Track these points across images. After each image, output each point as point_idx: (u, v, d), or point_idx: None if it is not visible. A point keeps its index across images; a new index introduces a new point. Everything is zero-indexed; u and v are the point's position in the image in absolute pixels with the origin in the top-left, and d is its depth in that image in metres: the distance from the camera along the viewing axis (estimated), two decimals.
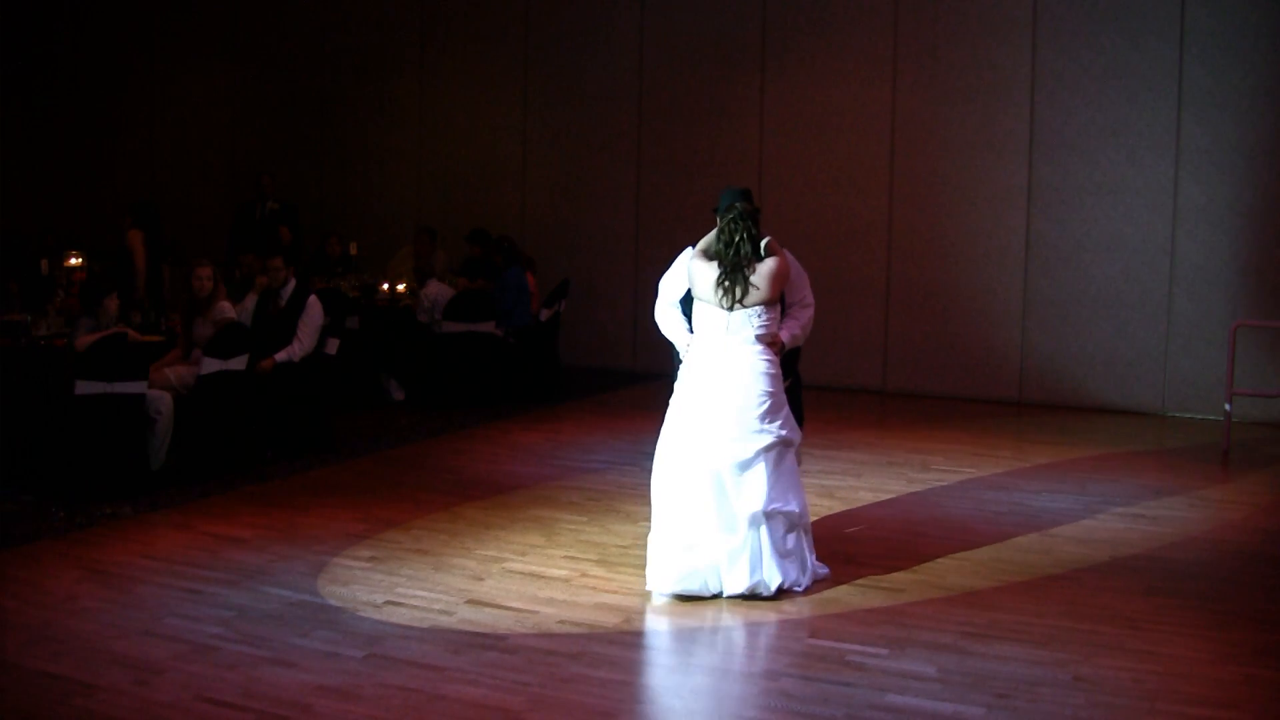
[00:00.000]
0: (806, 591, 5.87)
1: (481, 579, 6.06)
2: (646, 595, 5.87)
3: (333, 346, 8.99)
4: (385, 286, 11.16)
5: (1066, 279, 10.94)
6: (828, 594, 5.88)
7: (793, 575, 5.86)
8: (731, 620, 5.58)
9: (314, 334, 8.73)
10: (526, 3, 13.10)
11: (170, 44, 15.20)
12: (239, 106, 14.87)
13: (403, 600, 5.73)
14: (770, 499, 5.76)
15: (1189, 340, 10.57)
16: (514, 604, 5.71)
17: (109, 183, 15.23)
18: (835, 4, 11.68)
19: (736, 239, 5.87)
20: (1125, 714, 4.63)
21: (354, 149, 14.12)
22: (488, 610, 5.62)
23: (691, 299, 6.06)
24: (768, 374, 5.87)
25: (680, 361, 6.15)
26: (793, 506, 5.84)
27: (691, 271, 5.99)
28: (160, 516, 7.05)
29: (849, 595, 5.88)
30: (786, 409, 5.95)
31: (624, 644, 5.28)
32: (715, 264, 5.90)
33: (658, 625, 5.59)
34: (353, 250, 12.13)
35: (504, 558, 6.40)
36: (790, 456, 5.91)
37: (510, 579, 6.07)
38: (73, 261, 10.66)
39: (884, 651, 5.18)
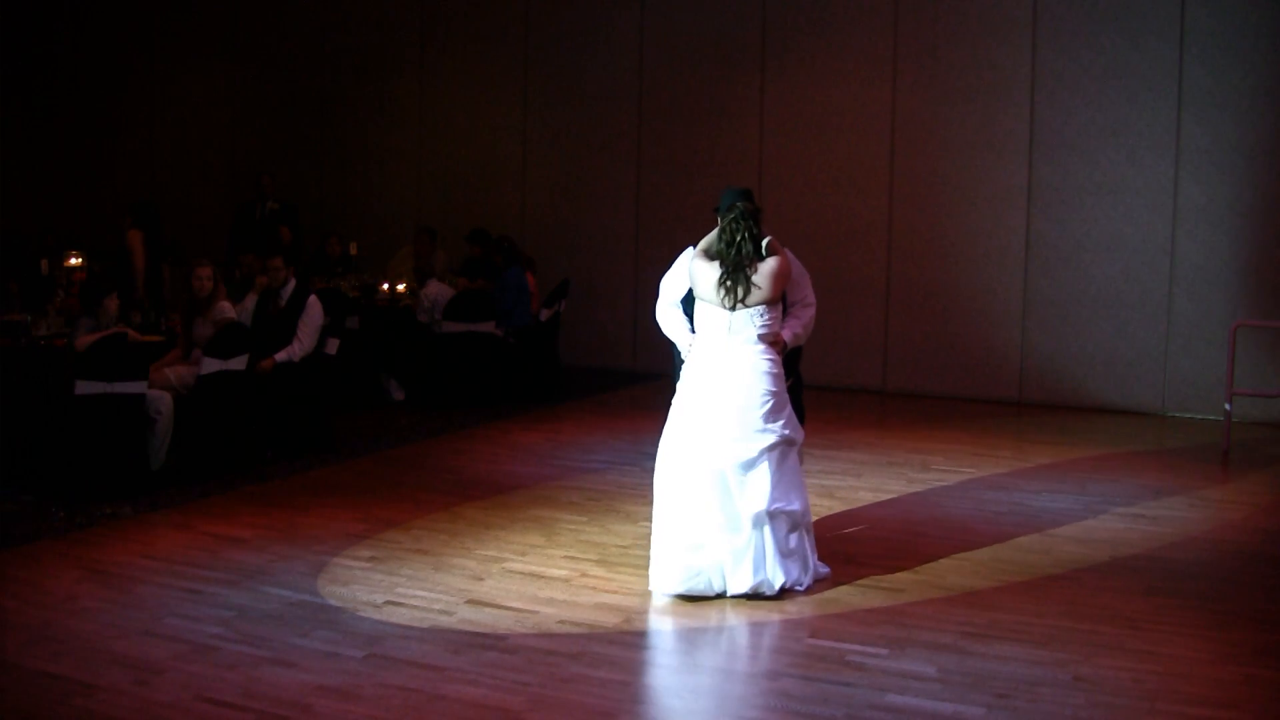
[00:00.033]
0: (807, 591, 5.87)
1: (481, 579, 6.06)
2: (646, 595, 5.87)
3: (333, 346, 8.99)
4: (385, 286, 11.16)
5: (1066, 279, 10.94)
6: (828, 594, 5.89)
7: (795, 574, 5.86)
8: (732, 620, 5.58)
9: (314, 334, 8.73)
10: (526, 3, 13.10)
11: (170, 44, 15.20)
12: (239, 106, 14.87)
13: (403, 600, 5.73)
14: (773, 498, 5.76)
15: (1189, 340, 10.57)
16: (514, 604, 5.71)
17: (109, 183, 15.23)
18: (835, 4, 11.68)
19: (738, 238, 5.87)
20: (1125, 714, 4.63)
21: (354, 149, 14.12)
22: (488, 610, 5.62)
23: (693, 299, 6.06)
24: (770, 373, 5.87)
25: (682, 361, 6.15)
26: (795, 506, 5.84)
27: (693, 271, 5.99)
28: (160, 516, 7.05)
29: (849, 595, 5.88)
30: (789, 408, 5.95)
31: (624, 644, 5.28)
32: (717, 264, 5.90)
33: (658, 625, 5.59)
34: (353, 250, 12.13)
35: (504, 558, 6.40)
36: (793, 456, 5.92)
37: (510, 579, 6.07)
38: (73, 261, 10.67)
39: (884, 651, 5.18)
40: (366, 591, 5.84)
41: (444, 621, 5.48)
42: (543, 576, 6.11)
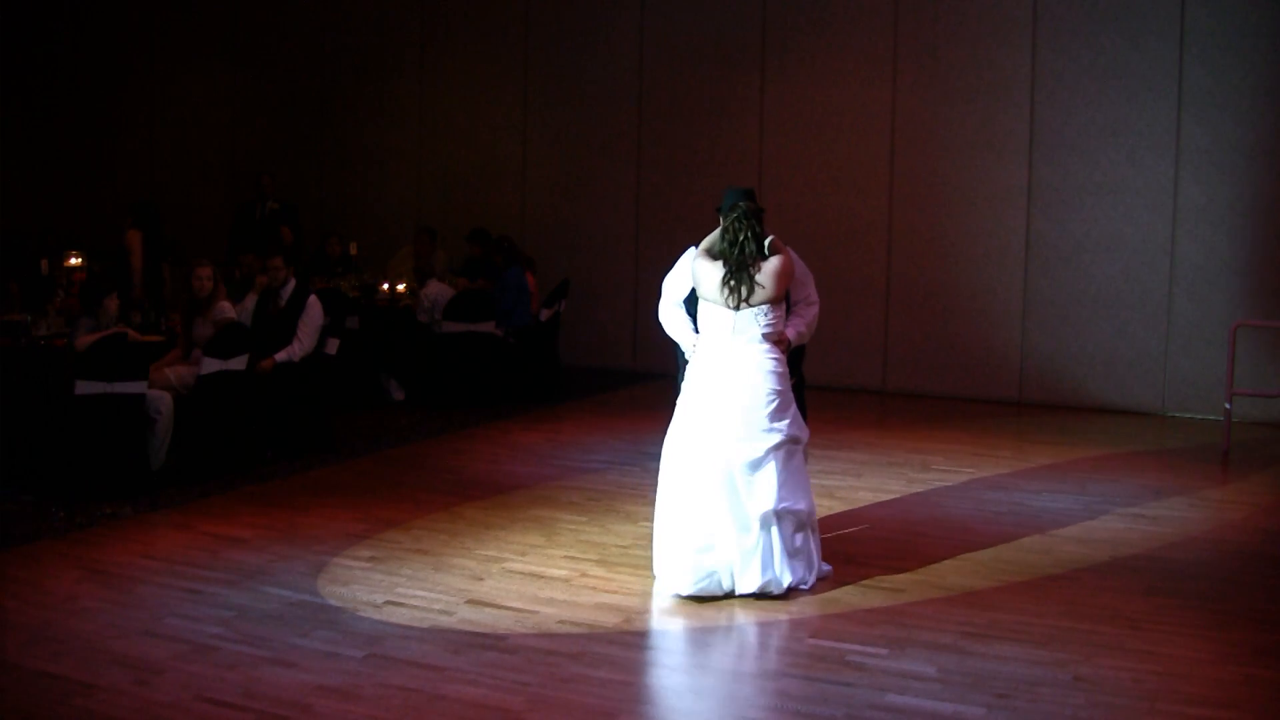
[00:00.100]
0: (809, 591, 5.88)
1: (481, 579, 6.06)
2: (646, 595, 5.87)
3: (333, 346, 8.99)
4: (385, 286, 11.15)
5: (1066, 279, 10.94)
6: (828, 594, 5.89)
7: (800, 574, 5.87)
8: (732, 620, 5.58)
9: (314, 334, 8.73)
10: (526, 3, 13.10)
11: (170, 44, 15.20)
12: (239, 106, 14.87)
13: (403, 600, 5.73)
14: (781, 498, 5.76)
15: (1189, 340, 10.57)
16: (514, 604, 5.71)
17: (109, 183, 15.23)
18: (835, 4, 11.68)
19: (741, 238, 5.87)
20: (1125, 714, 4.63)
21: (354, 149, 14.12)
22: (488, 610, 5.62)
23: (696, 299, 6.06)
24: (775, 372, 5.88)
25: (686, 362, 6.16)
26: (802, 506, 5.86)
27: (696, 271, 5.99)
28: (160, 516, 7.05)
29: (849, 595, 5.88)
30: (794, 407, 5.96)
31: (624, 644, 5.28)
32: (720, 263, 5.90)
33: (658, 625, 5.59)
34: (353, 250, 12.13)
35: (504, 558, 6.40)
36: (799, 455, 5.93)
37: (510, 579, 6.07)
38: (73, 261, 10.67)
39: (884, 651, 5.18)
40: (366, 591, 5.84)
41: (444, 621, 5.48)
42: (543, 576, 6.11)
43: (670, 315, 6.26)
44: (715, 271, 5.90)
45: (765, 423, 5.81)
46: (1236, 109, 10.32)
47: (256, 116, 14.75)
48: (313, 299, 8.74)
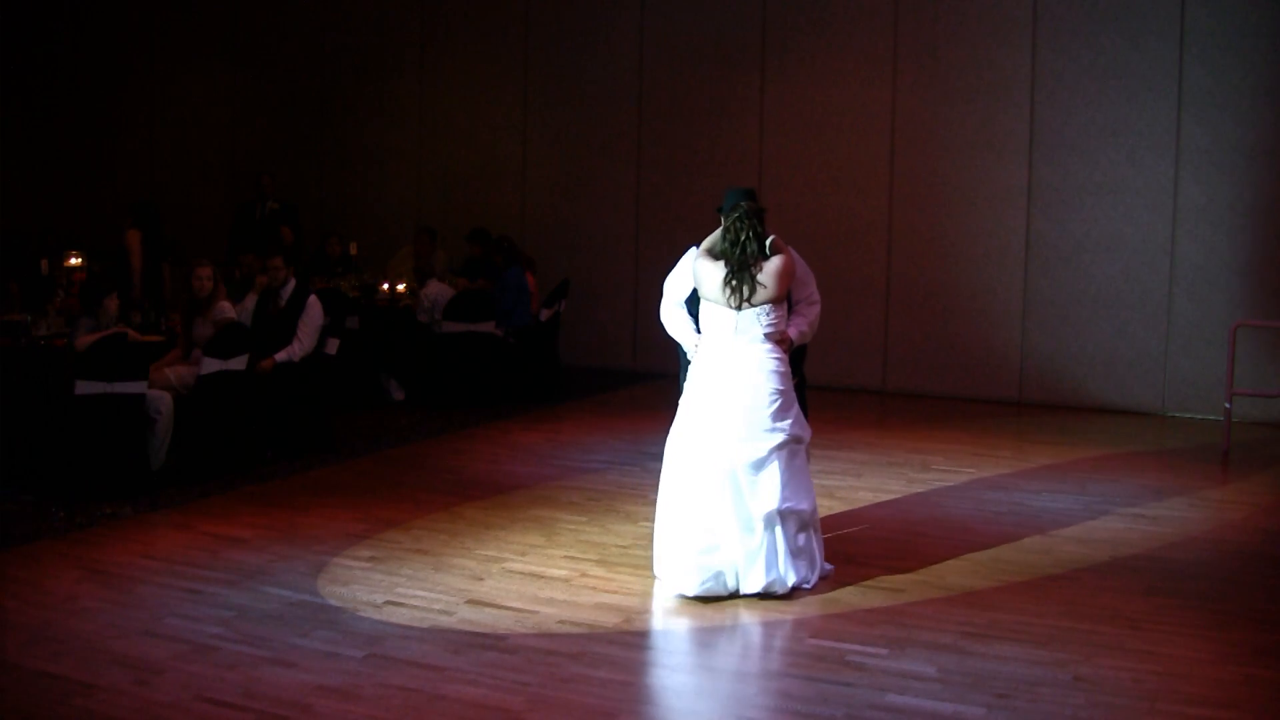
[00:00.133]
0: (809, 591, 5.87)
1: (481, 579, 6.06)
2: (647, 595, 5.87)
3: (333, 346, 8.99)
4: (385, 286, 11.15)
5: (1066, 279, 10.94)
6: (828, 594, 5.89)
7: (803, 573, 5.88)
8: (732, 620, 5.58)
9: (314, 334, 8.73)
10: (526, 3, 13.10)
11: (170, 44, 15.20)
12: (239, 106, 14.87)
13: (403, 600, 5.73)
14: (784, 497, 5.77)
15: (1189, 340, 10.57)
16: (514, 604, 5.71)
17: (109, 183, 15.23)
18: (835, 4, 11.68)
19: (743, 238, 5.87)
20: (1125, 714, 4.63)
21: (354, 149, 14.12)
22: (488, 610, 5.62)
23: (697, 299, 6.06)
24: (777, 372, 5.88)
25: (688, 362, 6.16)
26: (804, 505, 5.86)
27: (697, 271, 5.99)
28: (160, 516, 7.05)
29: (849, 595, 5.88)
30: (797, 406, 5.96)
31: (624, 644, 5.28)
32: (722, 263, 5.90)
33: (658, 625, 5.60)
34: (353, 250, 12.13)
35: (504, 558, 6.40)
36: (802, 454, 5.93)
37: (510, 579, 6.07)
38: (73, 261, 10.67)
39: (884, 651, 5.19)
40: (366, 591, 5.84)
41: (444, 621, 5.48)
42: (543, 576, 6.11)
43: (672, 315, 6.27)
44: (717, 272, 5.90)
45: (768, 422, 5.81)
46: (1236, 109, 10.32)
47: (256, 116, 14.75)
48: (313, 299, 8.74)
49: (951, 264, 11.35)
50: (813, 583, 5.92)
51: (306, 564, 6.22)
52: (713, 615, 5.63)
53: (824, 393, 11.03)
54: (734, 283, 5.86)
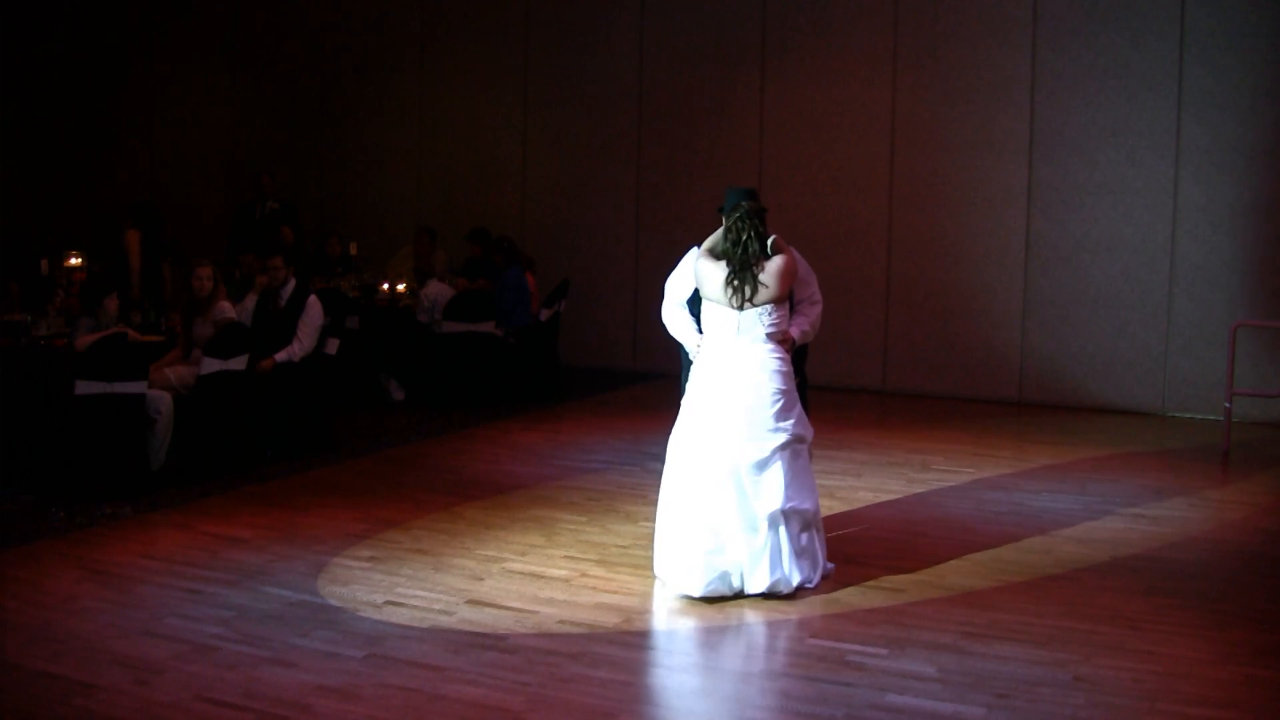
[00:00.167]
0: (811, 590, 5.88)
1: (481, 579, 6.06)
2: (647, 595, 5.87)
3: (333, 346, 8.98)
4: (385, 286, 11.16)
5: (1066, 279, 10.94)
6: (828, 594, 5.89)
7: (806, 572, 5.88)
8: (732, 620, 5.58)
9: (314, 334, 8.73)
10: (526, 3, 13.10)
11: (170, 44, 15.20)
12: (239, 106, 14.87)
13: (403, 600, 5.73)
14: (788, 497, 5.77)
15: (1189, 340, 10.57)
16: (514, 604, 5.71)
17: (109, 183, 15.23)
18: (835, 4, 11.68)
19: (744, 238, 5.87)
20: (1125, 714, 4.63)
21: (354, 149, 14.12)
22: (488, 610, 5.62)
23: (699, 299, 6.06)
24: (780, 372, 5.88)
25: (690, 362, 6.15)
26: (808, 505, 5.87)
27: (699, 272, 5.98)
28: (160, 516, 7.05)
29: (849, 595, 5.88)
30: (799, 406, 5.96)
31: (624, 644, 5.28)
32: (723, 263, 5.90)
33: (657, 625, 5.60)
34: (353, 250, 12.13)
35: (504, 558, 6.40)
36: (804, 454, 5.94)
37: (510, 579, 6.07)
38: (73, 261, 10.67)
39: (884, 651, 5.18)
40: (366, 591, 5.84)
41: (444, 621, 5.48)
42: (543, 576, 6.11)
43: (674, 316, 6.27)
44: (719, 272, 5.90)
45: (771, 422, 5.81)
46: (1236, 109, 10.32)
47: (256, 116, 14.75)
48: (313, 299, 8.74)
49: (951, 264, 11.35)
50: (815, 582, 5.92)
51: (306, 564, 6.22)
52: (713, 615, 5.63)
53: (824, 393, 11.02)
54: (736, 283, 5.86)
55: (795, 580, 5.81)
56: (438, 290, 10.80)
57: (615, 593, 5.89)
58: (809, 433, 5.99)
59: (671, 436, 6.01)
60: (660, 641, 5.46)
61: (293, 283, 8.79)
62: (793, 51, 11.88)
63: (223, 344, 7.91)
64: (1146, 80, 10.56)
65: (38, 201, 14.85)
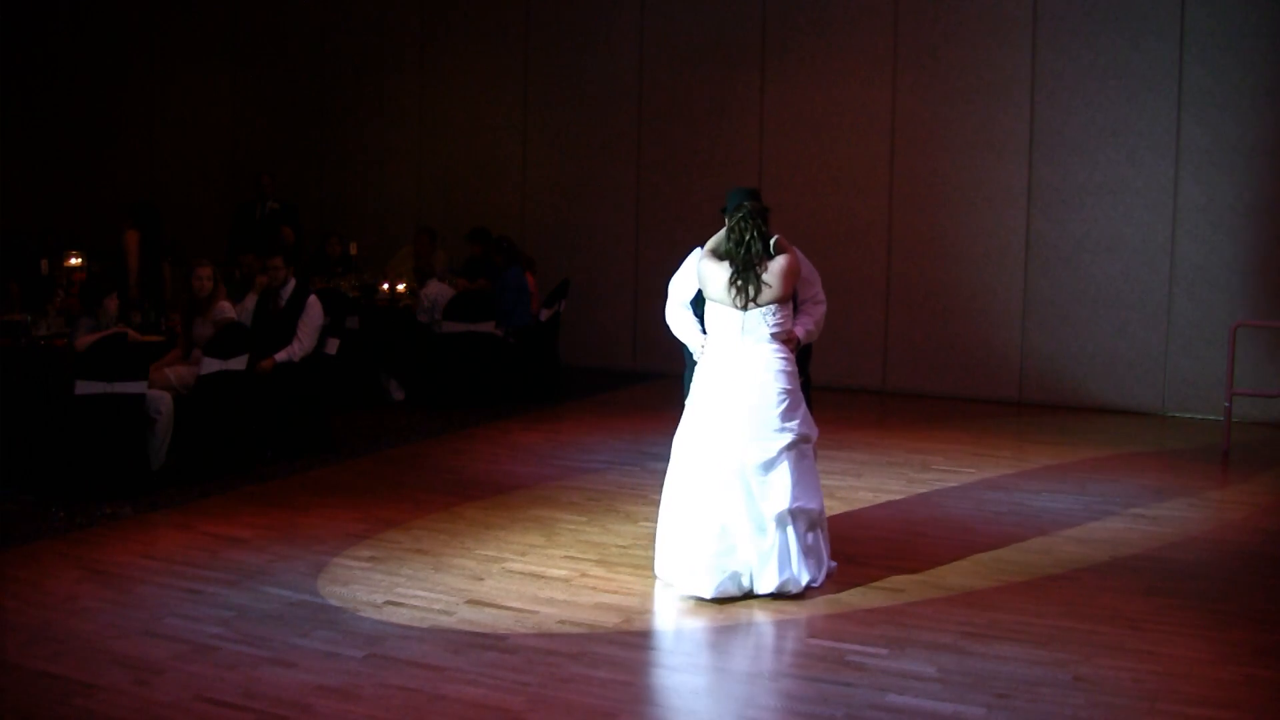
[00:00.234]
0: (813, 590, 5.88)
1: (481, 579, 6.06)
2: (647, 595, 5.87)
3: (333, 346, 8.98)
4: (385, 286, 11.16)
5: (1066, 279, 10.94)
6: (829, 594, 5.88)
7: (812, 572, 5.88)
8: (732, 620, 5.58)
9: (314, 334, 8.73)
10: (526, 3, 13.10)
11: (170, 44, 15.20)
12: (239, 106, 14.87)
13: (403, 600, 5.73)
14: (795, 497, 5.77)
15: (1189, 340, 10.57)
16: (514, 604, 5.71)
17: (109, 183, 15.23)
18: (835, 4, 11.68)
19: (747, 238, 5.87)
20: (1125, 714, 4.63)
21: (354, 149, 14.12)
22: (488, 610, 5.62)
23: (702, 300, 6.06)
24: (785, 371, 5.88)
25: (694, 363, 6.15)
26: (814, 505, 5.87)
27: (702, 272, 5.98)
28: (160, 516, 7.05)
29: (849, 595, 5.88)
30: (804, 406, 5.96)
31: (624, 644, 5.28)
32: (727, 264, 5.90)
33: (658, 625, 5.59)
34: (353, 250, 12.13)
35: (504, 558, 6.40)
36: (809, 453, 5.94)
37: (510, 579, 6.07)
38: (73, 261, 10.67)
39: (884, 651, 5.18)
40: (366, 591, 5.84)
41: (444, 621, 5.48)
42: (543, 576, 6.11)
43: (677, 317, 6.26)
44: (722, 272, 5.90)
45: (777, 422, 5.81)
46: (1236, 109, 10.32)
47: (256, 116, 14.75)
48: (313, 299, 8.74)
49: (951, 264, 11.35)
50: (820, 581, 5.93)
51: (306, 564, 6.22)
52: (713, 615, 5.62)
53: (824, 393, 11.01)
54: (739, 283, 5.86)
55: (804, 580, 5.82)
56: (438, 290, 10.80)
57: (615, 593, 5.89)
58: (814, 432, 5.99)
59: (676, 437, 6.01)
60: (660, 641, 5.46)
61: (293, 283, 8.79)
62: (793, 51, 11.88)
63: (223, 344, 7.91)
64: (1146, 80, 10.56)
65: (38, 201, 14.85)
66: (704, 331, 6.10)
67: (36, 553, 6.34)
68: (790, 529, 5.78)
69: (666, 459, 6.10)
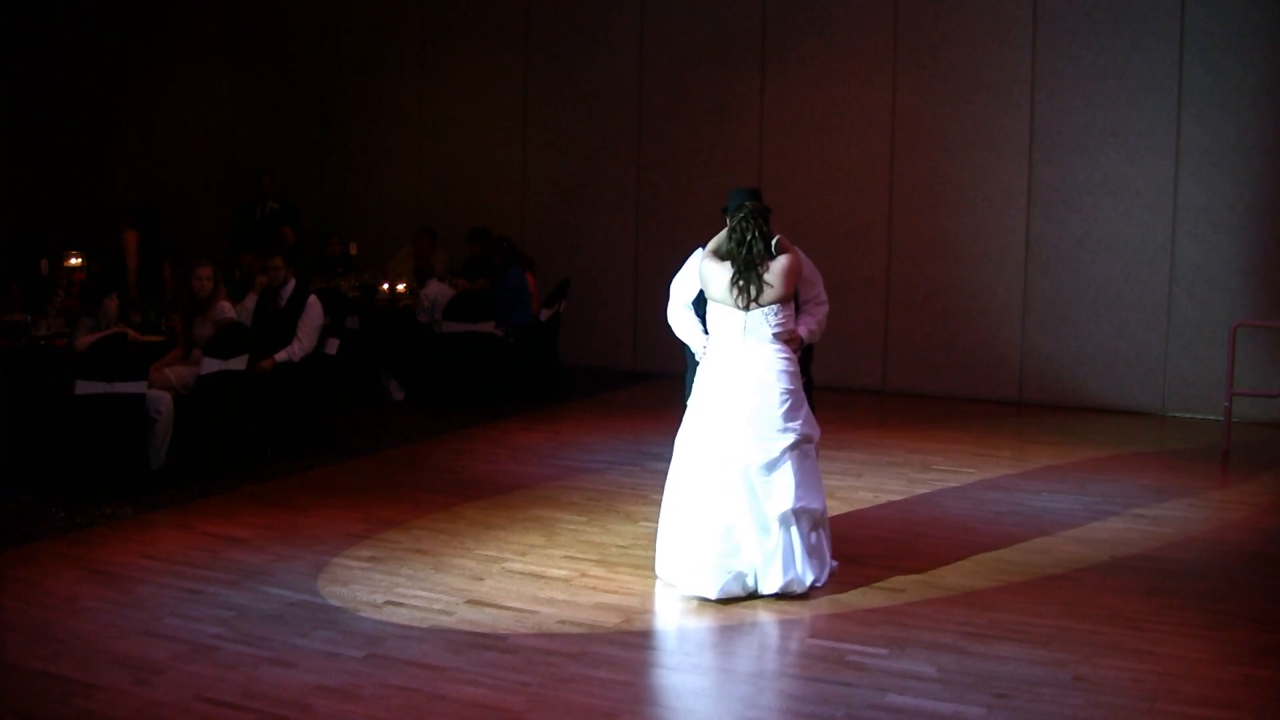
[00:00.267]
0: (816, 590, 5.88)
1: (481, 579, 6.06)
2: (647, 595, 5.87)
3: (333, 346, 8.99)
4: (385, 286, 11.16)
5: (1066, 279, 10.94)
6: (828, 594, 5.88)
7: (816, 571, 5.89)
8: (732, 620, 5.58)
9: (314, 334, 8.73)
10: (527, 3, 13.10)
11: (170, 44, 15.20)
12: (239, 106, 14.87)
13: (403, 600, 5.73)
14: (798, 497, 5.77)
15: (1189, 340, 10.57)
16: (514, 604, 5.71)
17: (109, 183, 15.22)
18: (835, 4, 11.68)
19: (749, 238, 5.86)
20: (1125, 714, 4.63)
21: (354, 149, 14.12)
22: (488, 610, 5.62)
23: (704, 301, 6.06)
24: (787, 372, 5.88)
25: (696, 364, 6.15)
26: (816, 504, 5.88)
27: (704, 272, 5.98)
28: (160, 516, 7.05)
29: (849, 595, 5.88)
30: (806, 405, 5.97)
31: (624, 644, 5.28)
32: (728, 264, 5.89)
33: (657, 625, 5.59)
34: (353, 250, 12.13)
35: (504, 558, 6.40)
36: (812, 453, 5.94)
37: (510, 579, 6.07)
38: (73, 261, 10.67)
39: (884, 651, 5.18)
40: (366, 591, 5.84)
41: (444, 621, 5.48)
42: (543, 576, 6.11)
43: (679, 317, 6.25)
44: (724, 272, 5.89)
45: (780, 422, 5.81)
46: (1236, 109, 10.32)
47: (256, 116, 14.75)
48: (313, 299, 8.74)
49: (951, 264, 11.35)
50: (823, 581, 5.93)
51: (306, 564, 6.22)
52: (713, 615, 5.62)
53: (824, 393, 10.99)
54: (741, 283, 5.85)
55: (809, 580, 5.82)
56: (438, 290, 10.81)
57: (615, 593, 5.89)
58: (816, 432, 6.00)
59: (678, 438, 6.01)
60: (660, 641, 5.46)
61: (293, 283, 8.79)
62: (793, 51, 11.88)
63: (223, 344, 7.91)
64: (1146, 80, 10.56)
65: (38, 201, 14.85)
66: (706, 332, 6.10)
67: (36, 553, 6.34)
68: (794, 529, 5.79)
69: (667, 459, 6.10)
